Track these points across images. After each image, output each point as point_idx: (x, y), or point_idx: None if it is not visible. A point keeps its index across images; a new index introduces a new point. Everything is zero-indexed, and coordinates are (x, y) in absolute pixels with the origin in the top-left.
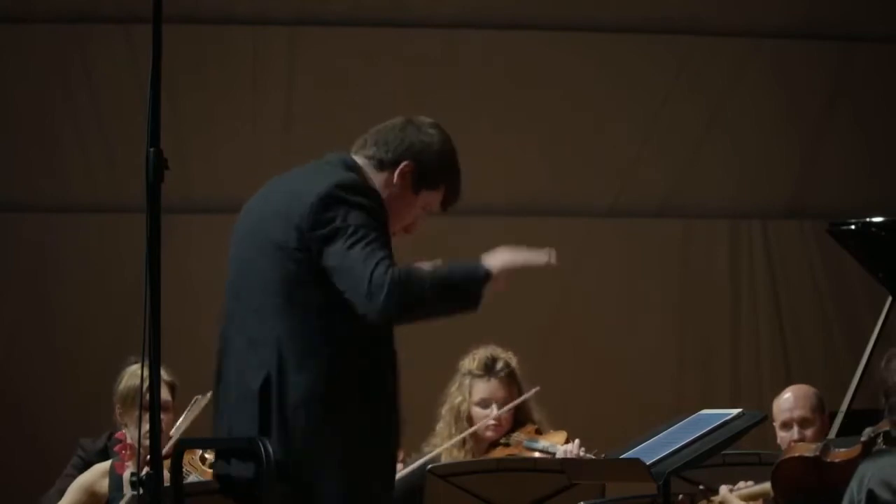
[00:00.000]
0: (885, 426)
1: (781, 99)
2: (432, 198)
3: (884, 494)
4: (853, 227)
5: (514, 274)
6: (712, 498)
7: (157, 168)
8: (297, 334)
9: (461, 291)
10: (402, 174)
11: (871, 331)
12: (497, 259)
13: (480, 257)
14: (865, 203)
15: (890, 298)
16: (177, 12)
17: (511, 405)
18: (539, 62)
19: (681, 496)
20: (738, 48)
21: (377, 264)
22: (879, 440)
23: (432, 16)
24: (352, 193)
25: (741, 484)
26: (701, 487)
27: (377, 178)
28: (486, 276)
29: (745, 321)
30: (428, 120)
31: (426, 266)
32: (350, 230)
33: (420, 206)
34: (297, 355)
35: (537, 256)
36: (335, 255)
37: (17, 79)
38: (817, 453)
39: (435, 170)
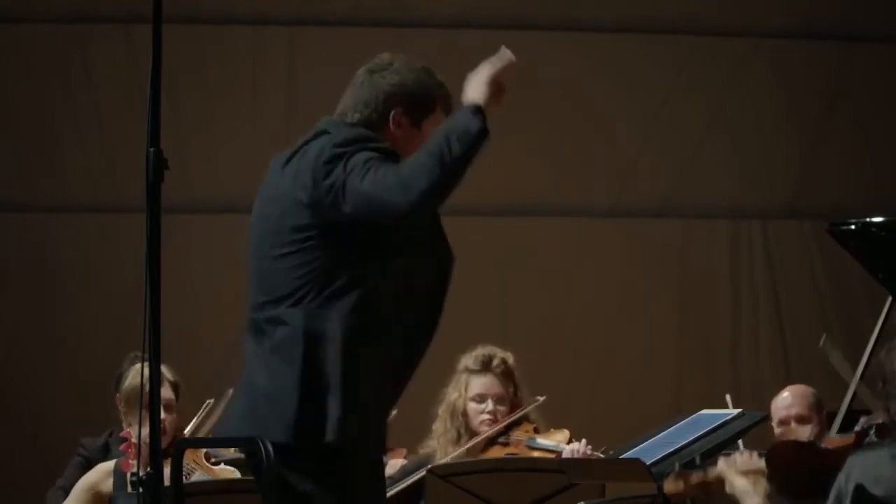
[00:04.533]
0: (878, 418)
1: (781, 99)
2: (434, 118)
3: (871, 488)
4: (853, 227)
5: (500, 87)
6: (709, 468)
7: (157, 168)
8: (307, 313)
9: (470, 141)
10: (396, 122)
11: (871, 331)
12: (477, 91)
13: (461, 102)
14: (865, 203)
15: (890, 298)
16: (177, 12)
17: (514, 416)
18: (539, 62)
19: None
20: (738, 48)
21: (398, 168)
22: (872, 432)
23: (432, 16)
24: (352, 142)
25: (737, 456)
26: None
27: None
28: (479, 113)
29: (745, 321)
30: (385, 57)
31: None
32: (361, 162)
33: (428, 133)
34: (307, 331)
35: (502, 63)
36: (351, 186)
37: (17, 79)
38: (812, 438)
39: (422, 98)
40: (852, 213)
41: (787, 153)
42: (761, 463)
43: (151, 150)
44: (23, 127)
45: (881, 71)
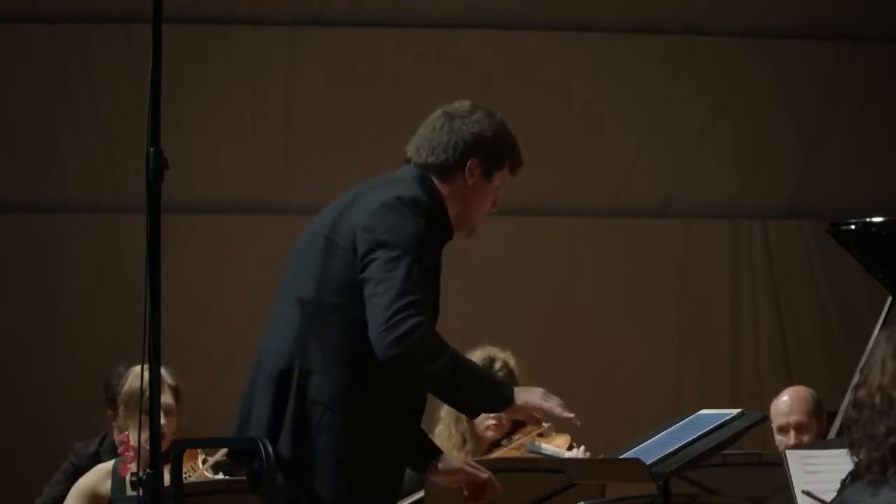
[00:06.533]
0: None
1: (781, 99)
2: (502, 173)
3: None
4: (853, 227)
5: (533, 413)
6: None
7: (157, 168)
8: (327, 333)
9: (474, 394)
10: (471, 171)
11: (871, 331)
12: (527, 397)
13: (513, 387)
14: (865, 203)
15: (890, 298)
16: (177, 12)
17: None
18: (539, 62)
19: None
20: (738, 48)
21: (408, 305)
22: (847, 481)
23: (432, 16)
24: (412, 208)
25: None
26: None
27: (445, 185)
28: (507, 402)
29: (745, 321)
30: (465, 105)
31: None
32: (399, 249)
33: (496, 186)
34: (322, 354)
35: (562, 410)
36: (375, 266)
37: (17, 79)
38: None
39: (497, 151)
40: (852, 213)
41: (787, 153)
42: None
43: (151, 150)
44: (22, 127)
45: (881, 71)
